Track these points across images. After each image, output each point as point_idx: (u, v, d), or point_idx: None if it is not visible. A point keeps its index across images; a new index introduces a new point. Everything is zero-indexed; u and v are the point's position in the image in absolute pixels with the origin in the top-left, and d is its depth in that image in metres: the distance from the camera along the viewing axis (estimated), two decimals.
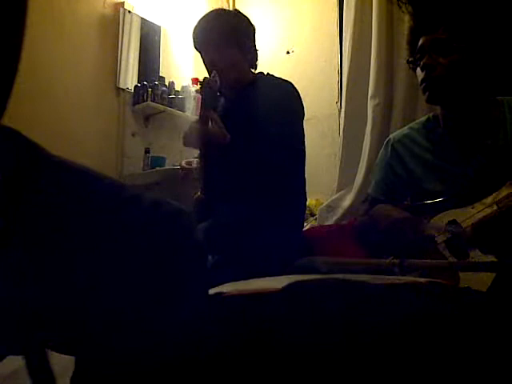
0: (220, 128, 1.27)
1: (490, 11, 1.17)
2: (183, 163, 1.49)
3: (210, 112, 1.28)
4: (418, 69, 1.16)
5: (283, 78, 1.52)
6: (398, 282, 0.39)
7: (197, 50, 1.51)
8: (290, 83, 1.48)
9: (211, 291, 0.39)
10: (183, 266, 0.37)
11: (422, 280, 0.41)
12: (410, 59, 1.20)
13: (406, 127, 1.33)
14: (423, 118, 1.29)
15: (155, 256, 0.36)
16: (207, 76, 1.38)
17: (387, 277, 0.50)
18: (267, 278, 0.50)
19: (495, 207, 1.03)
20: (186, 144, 1.34)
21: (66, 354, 0.40)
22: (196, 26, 1.48)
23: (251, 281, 0.47)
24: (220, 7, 1.68)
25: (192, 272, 0.38)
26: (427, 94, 1.14)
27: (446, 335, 0.36)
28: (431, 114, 1.27)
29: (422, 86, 1.14)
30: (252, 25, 1.54)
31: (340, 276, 0.39)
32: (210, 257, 1.33)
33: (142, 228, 0.36)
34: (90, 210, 0.34)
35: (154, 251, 0.36)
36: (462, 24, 1.11)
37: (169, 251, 0.37)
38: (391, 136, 1.33)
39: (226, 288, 0.39)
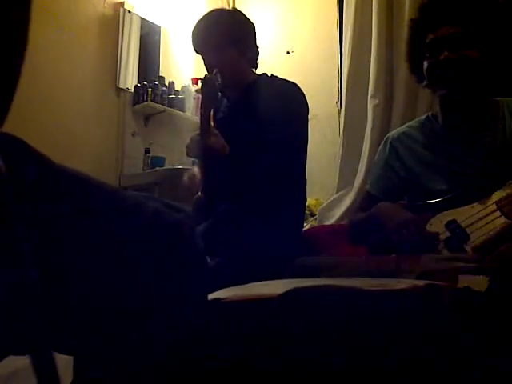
0: (220, 140, 1.29)
1: (503, 7, 1.15)
2: (185, 179, 1.51)
3: (210, 128, 1.30)
4: (426, 63, 1.14)
5: (285, 78, 1.52)
6: (395, 288, 0.38)
7: (197, 52, 1.51)
8: (294, 84, 1.47)
9: (209, 296, 0.39)
10: (183, 276, 0.37)
11: (420, 283, 0.41)
12: (413, 56, 1.18)
13: (404, 125, 1.33)
14: (422, 117, 1.29)
15: (155, 265, 0.36)
16: (208, 74, 1.38)
17: (385, 281, 0.50)
18: (266, 282, 0.49)
19: (495, 207, 1.03)
20: (188, 155, 1.38)
21: (65, 354, 0.40)
22: (194, 28, 1.48)
23: (249, 285, 0.47)
24: (219, 7, 1.67)
25: (192, 282, 0.38)
26: (451, 89, 1.10)
27: (444, 340, 0.36)
28: (430, 113, 1.27)
29: (445, 82, 1.10)
30: (251, 23, 1.53)
31: (338, 281, 0.39)
32: (210, 258, 1.33)
33: (142, 238, 0.36)
34: (91, 219, 0.34)
35: (154, 261, 0.36)
36: (478, 18, 1.09)
37: (169, 261, 0.37)
38: (390, 134, 1.33)
39: (224, 294, 0.39)
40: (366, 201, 1.30)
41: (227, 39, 1.44)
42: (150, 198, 0.41)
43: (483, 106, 1.15)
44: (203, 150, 1.29)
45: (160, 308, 0.36)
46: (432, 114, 1.25)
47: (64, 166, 0.36)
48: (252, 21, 1.54)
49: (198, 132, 1.32)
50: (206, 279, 0.40)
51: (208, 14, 1.51)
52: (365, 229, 1.21)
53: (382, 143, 1.32)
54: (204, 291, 0.39)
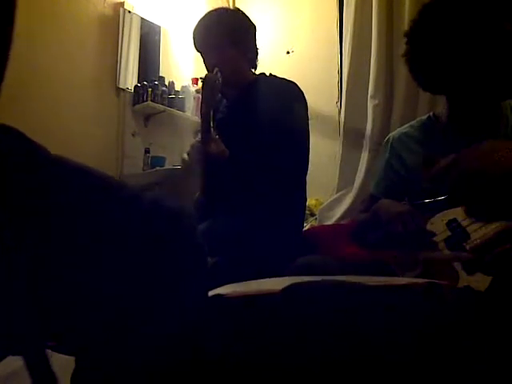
0: (220, 145, 1.31)
1: None
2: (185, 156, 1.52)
3: (210, 129, 1.32)
4: None
5: (284, 77, 1.52)
6: (396, 283, 0.38)
7: (197, 50, 1.51)
8: (294, 83, 1.48)
9: (210, 293, 0.39)
10: (183, 266, 0.37)
11: (420, 281, 0.41)
12: None
13: (405, 125, 1.32)
14: (423, 117, 1.29)
15: (155, 256, 0.36)
16: (209, 72, 1.38)
17: (385, 278, 0.50)
18: (266, 279, 0.49)
19: None
20: (191, 163, 1.41)
21: (66, 354, 0.40)
22: (196, 27, 1.48)
23: (250, 282, 0.47)
24: (220, 7, 1.66)
25: (192, 273, 0.38)
26: None
27: (444, 337, 0.36)
28: (431, 113, 1.27)
29: None
30: (252, 23, 1.53)
31: (338, 278, 0.39)
32: (209, 258, 1.33)
33: (141, 227, 0.36)
34: (89, 209, 0.34)
35: (154, 251, 0.36)
36: None
37: (169, 251, 0.36)
38: (391, 134, 1.32)
39: (225, 290, 0.39)
40: (368, 202, 1.30)
41: (227, 39, 1.44)
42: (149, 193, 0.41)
43: (490, 107, 1.14)
44: (203, 156, 1.32)
45: (159, 302, 0.36)
46: (434, 114, 1.25)
47: (60, 156, 0.36)
48: (253, 21, 1.54)
49: (198, 139, 1.34)
50: (206, 270, 0.40)
51: (209, 13, 1.52)
52: (366, 228, 1.21)
53: (384, 144, 1.32)
54: (204, 283, 0.39)
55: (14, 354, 0.38)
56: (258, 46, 1.55)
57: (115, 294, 0.35)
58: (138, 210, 0.37)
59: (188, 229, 0.39)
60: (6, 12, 0.32)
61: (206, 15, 1.50)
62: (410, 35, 1.14)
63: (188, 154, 1.39)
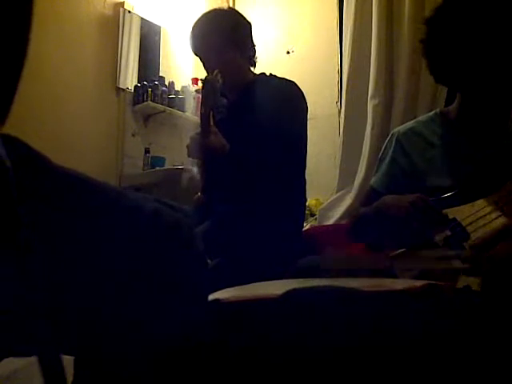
0: (220, 139, 1.30)
1: None
2: (184, 181, 1.53)
3: (210, 127, 1.30)
4: None
5: (284, 77, 1.52)
6: (394, 288, 0.38)
7: (196, 55, 1.51)
8: (293, 83, 1.47)
9: (209, 297, 0.39)
10: (182, 276, 0.37)
11: (419, 284, 0.41)
12: None
13: (412, 121, 1.31)
14: (430, 113, 1.27)
15: (155, 266, 0.36)
16: (209, 74, 1.38)
17: (383, 280, 0.50)
18: (266, 282, 0.49)
19: (495, 206, 1.02)
20: (189, 155, 1.39)
21: (66, 354, 0.40)
22: (192, 31, 1.48)
23: (249, 286, 0.47)
24: (215, 8, 1.65)
25: (191, 282, 0.38)
26: None
27: (443, 343, 0.36)
28: (438, 110, 1.26)
29: None
30: (247, 22, 1.52)
31: (338, 282, 0.39)
32: (210, 260, 1.33)
33: (141, 238, 0.36)
34: (89, 218, 0.34)
35: (154, 261, 0.36)
36: None
37: (168, 261, 0.37)
38: (396, 129, 1.30)
39: (224, 294, 0.39)
40: (369, 196, 1.28)
41: (226, 40, 1.44)
42: (149, 199, 0.41)
43: (502, 107, 1.13)
44: (203, 149, 1.30)
45: (160, 309, 0.36)
46: (440, 111, 1.24)
47: (61, 166, 0.36)
48: (248, 19, 1.54)
49: (197, 131, 1.32)
50: (206, 280, 0.40)
51: (205, 15, 1.51)
52: (366, 224, 1.20)
53: (388, 138, 1.30)
54: (204, 292, 0.39)
55: (25, 355, 0.38)
56: (255, 44, 1.55)
57: (114, 299, 0.35)
58: (138, 219, 0.37)
59: (187, 239, 0.39)
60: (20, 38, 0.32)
61: (201, 18, 1.50)
62: (431, 20, 1.11)
63: (187, 148, 1.37)
